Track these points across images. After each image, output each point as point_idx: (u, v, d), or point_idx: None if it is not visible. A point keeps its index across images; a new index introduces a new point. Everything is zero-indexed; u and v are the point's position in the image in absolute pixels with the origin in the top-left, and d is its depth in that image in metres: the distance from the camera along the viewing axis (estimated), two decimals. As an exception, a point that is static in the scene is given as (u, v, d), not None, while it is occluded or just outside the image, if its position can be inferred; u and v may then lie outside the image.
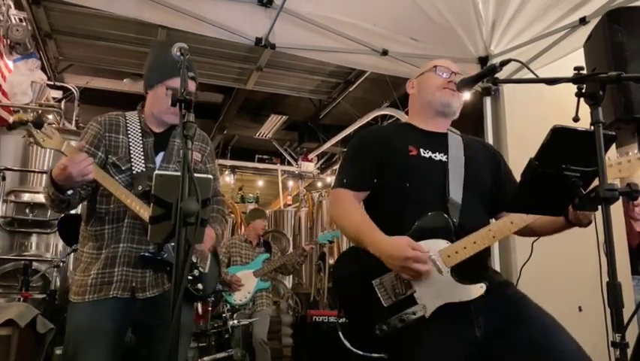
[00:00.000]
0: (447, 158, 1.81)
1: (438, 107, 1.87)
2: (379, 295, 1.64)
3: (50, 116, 4.76)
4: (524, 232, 1.74)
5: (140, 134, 2.00)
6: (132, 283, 1.88)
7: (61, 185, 1.75)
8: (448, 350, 1.55)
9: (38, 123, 1.78)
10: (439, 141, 1.85)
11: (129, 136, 1.98)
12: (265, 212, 5.66)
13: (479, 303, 1.62)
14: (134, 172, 1.93)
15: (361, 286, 1.67)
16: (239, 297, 4.67)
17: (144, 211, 1.85)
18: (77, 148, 1.78)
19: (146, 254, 1.91)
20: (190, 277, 2.00)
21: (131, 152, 1.96)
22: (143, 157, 1.97)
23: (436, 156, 1.81)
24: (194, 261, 2.04)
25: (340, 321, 4.27)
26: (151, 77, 2.05)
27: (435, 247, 1.65)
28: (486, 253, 1.75)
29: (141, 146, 1.98)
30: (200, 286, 2.01)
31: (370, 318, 1.62)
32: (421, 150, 1.80)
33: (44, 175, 2.01)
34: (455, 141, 1.87)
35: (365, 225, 1.69)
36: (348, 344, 1.67)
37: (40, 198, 3.89)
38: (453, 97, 1.85)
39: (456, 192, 1.74)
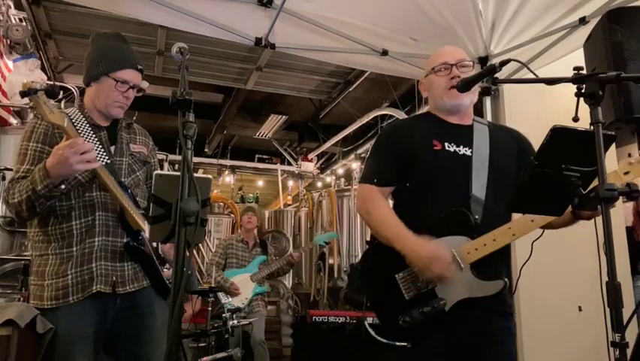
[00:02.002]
0: (471, 152, 1.81)
1: (450, 108, 1.86)
2: (402, 288, 1.70)
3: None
4: (544, 227, 1.76)
5: (89, 129, 1.94)
6: (113, 278, 1.86)
7: (55, 176, 1.67)
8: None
9: (51, 92, 1.71)
10: (464, 134, 1.85)
11: (78, 131, 1.90)
12: (253, 207, 5.62)
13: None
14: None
15: (385, 280, 1.74)
16: (236, 302, 4.67)
17: (128, 205, 1.85)
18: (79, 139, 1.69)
19: (132, 243, 1.89)
20: (165, 270, 2.00)
21: None
22: (103, 150, 1.93)
23: (460, 150, 1.81)
24: (163, 256, 2.03)
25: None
26: (95, 68, 1.96)
27: (455, 243, 1.70)
28: (506, 250, 1.78)
29: (96, 140, 1.93)
30: None
31: (393, 310, 1.69)
32: (446, 144, 1.81)
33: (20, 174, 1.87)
34: (481, 133, 1.86)
35: (393, 222, 1.73)
36: (372, 332, 1.74)
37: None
38: (459, 97, 1.81)
39: (479, 188, 1.75)
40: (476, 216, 1.72)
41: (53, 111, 1.72)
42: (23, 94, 1.67)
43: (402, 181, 1.83)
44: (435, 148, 1.80)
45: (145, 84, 2.06)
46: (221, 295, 4.67)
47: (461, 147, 1.81)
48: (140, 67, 2.00)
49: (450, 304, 1.66)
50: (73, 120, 1.92)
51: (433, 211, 1.74)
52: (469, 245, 1.69)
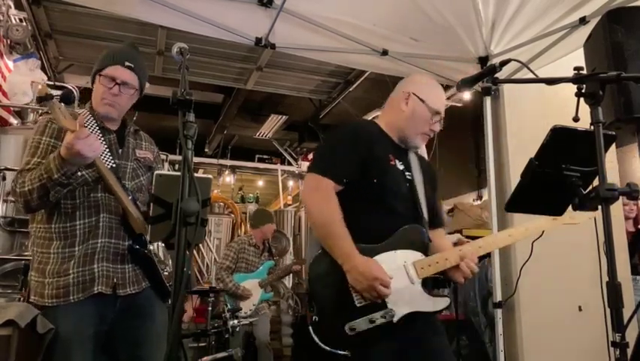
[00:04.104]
0: (411, 176, 1.89)
1: (409, 144, 1.93)
2: (353, 295, 1.66)
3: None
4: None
5: (99, 131, 1.96)
6: (114, 279, 1.87)
7: (71, 165, 1.70)
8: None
9: (67, 98, 1.72)
10: (405, 157, 1.93)
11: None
12: (272, 214, 5.63)
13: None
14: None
15: (337, 286, 1.68)
16: (244, 309, 4.66)
17: (130, 206, 1.87)
18: (79, 124, 1.71)
19: (135, 246, 1.90)
20: (166, 273, 2.01)
21: None
22: (109, 153, 1.95)
23: (404, 171, 1.89)
24: (162, 258, 2.04)
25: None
26: (92, 70, 2.03)
27: (410, 257, 1.75)
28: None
29: (104, 142, 1.95)
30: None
31: (342, 317, 1.65)
32: (397, 162, 1.87)
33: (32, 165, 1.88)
34: (414, 160, 1.96)
35: (340, 232, 1.67)
36: (317, 340, 1.65)
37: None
38: (424, 142, 1.96)
39: (424, 209, 1.86)
40: (428, 236, 1.81)
41: (66, 117, 1.75)
42: (40, 99, 1.70)
43: (355, 185, 1.77)
44: (390, 163, 1.84)
45: None
46: (228, 299, 4.67)
47: (405, 169, 1.89)
48: (127, 64, 1.99)
49: (398, 316, 1.67)
50: (85, 122, 1.93)
51: (385, 223, 1.76)
52: (423, 261, 1.75)
